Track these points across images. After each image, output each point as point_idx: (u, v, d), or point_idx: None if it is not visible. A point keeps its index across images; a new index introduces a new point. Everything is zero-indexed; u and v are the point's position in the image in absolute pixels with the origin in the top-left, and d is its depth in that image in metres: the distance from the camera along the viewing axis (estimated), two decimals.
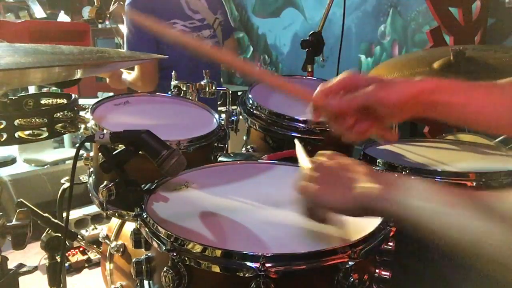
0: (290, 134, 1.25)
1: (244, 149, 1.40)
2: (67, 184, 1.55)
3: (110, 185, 0.94)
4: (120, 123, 1.14)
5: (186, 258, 0.69)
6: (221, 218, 0.82)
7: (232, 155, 1.21)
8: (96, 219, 2.70)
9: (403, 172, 1.10)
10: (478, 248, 0.54)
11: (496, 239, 0.53)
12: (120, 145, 0.93)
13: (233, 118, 1.41)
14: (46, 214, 1.26)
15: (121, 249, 1.34)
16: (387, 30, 3.40)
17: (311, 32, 1.74)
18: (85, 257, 2.47)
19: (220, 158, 1.17)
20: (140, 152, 0.88)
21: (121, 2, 2.28)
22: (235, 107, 1.43)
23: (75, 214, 2.65)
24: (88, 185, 1.21)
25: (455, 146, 1.40)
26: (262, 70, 0.84)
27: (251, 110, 1.33)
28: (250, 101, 1.34)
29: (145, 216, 0.80)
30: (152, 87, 2.11)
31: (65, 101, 1.40)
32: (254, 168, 1.08)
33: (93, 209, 2.66)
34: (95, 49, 1.26)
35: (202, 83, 1.48)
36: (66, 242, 1.24)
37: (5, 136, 1.19)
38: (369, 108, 0.75)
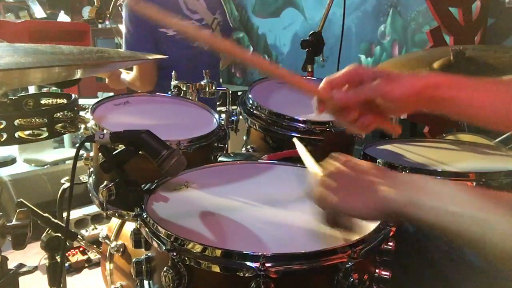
0: (290, 134, 1.25)
1: (244, 149, 1.40)
2: (67, 184, 1.55)
3: (110, 185, 0.94)
4: (120, 123, 1.14)
5: (186, 258, 0.69)
6: (221, 218, 0.82)
7: (232, 155, 1.21)
8: (96, 219, 2.70)
9: (403, 172, 1.10)
10: None
11: None
12: (120, 145, 0.93)
13: (233, 118, 1.41)
14: (46, 214, 1.26)
15: (121, 249, 1.34)
16: (387, 30, 3.40)
17: (311, 32, 1.74)
18: (85, 257, 2.47)
19: (220, 158, 1.17)
20: (140, 152, 0.88)
21: None
22: (235, 107, 1.43)
23: (75, 214, 2.65)
24: (88, 185, 1.21)
25: (455, 146, 1.40)
26: (265, 60, 0.83)
27: (251, 110, 1.33)
28: (250, 101, 1.34)
29: (145, 216, 0.80)
30: (151, 87, 2.12)
31: (65, 101, 1.40)
32: (254, 168, 1.08)
33: (93, 209, 2.66)
34: (95, 49, 1.26)
35: (202, 83, 1.48)
36: (66, 242, 1.24)
37: (5, 136, 1.19)
38: (374, 102, 0.75)
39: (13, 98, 1.31)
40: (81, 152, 0.94)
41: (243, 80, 4.91)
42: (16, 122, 1.20)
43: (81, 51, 0.96)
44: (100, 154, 0.91)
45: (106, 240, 1.40)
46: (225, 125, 1.36)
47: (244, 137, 1.41)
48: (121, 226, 1.40)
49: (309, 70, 1.80)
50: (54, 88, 1.82)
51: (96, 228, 2.62)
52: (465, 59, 1.59)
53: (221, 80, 2.51)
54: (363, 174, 0.69)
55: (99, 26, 4.04)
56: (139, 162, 0.92)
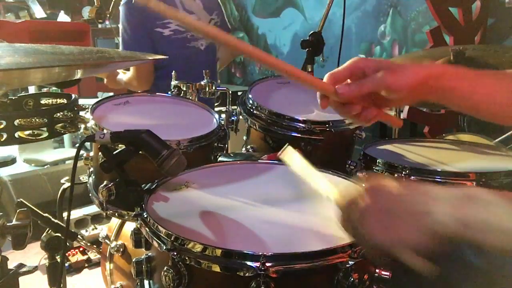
0: (290, 134, 1.25)
1: (244, 149, 1.40)
2: (67, 184, 1.55)
3: (110, 185, 0.94)
4: (120, 123, 1.14)
5: (187, 258, 0.69)
6: (221, 217, 0.82)
7: (232, 155, 1.21)
8: (96, 219, 2.70)
9: (403, 172, 1.10)
10: None
11: None
12: (120, 145, 0.93)
13: (233, 118, 1.41)
14: (46, 214, 1.26)
15: (121, 249, 1.34)
16: (387, 30, 3.40)
17: (311, 32, 1.74)
18: (85, 257, 2.47)
19: (220, 158, 1.17)
20: (140, 152, 0.88)
21: None
22: (235, 107, 1.43)
23: (75, 214, 2.65)
24: (88, 185, 1.21)
25: (455, 146, 1.40)
26: (267, 54, 0.80)
27: (251, 110, 1.33)
28: (250, 101, 1.34)
29: (145, 216, 0.80)
30: (147, 87, 2.13)
31: (65, 101, 1.40)
32: (254, 168, 1.08)
33: (93, 209, 2.66)
34: (95, 49, 1.26)
35: (202, 83, 1.48)
36: (66, 242, 1.24)
37: (5, 136, 1.19)
38: (377, 93, 0.74)
39: (13, 98, 1.31)
40: (81, 152, 0.94)
41: (243, 80, 4.91)
42: (16, 122, 1.20)
43: (81, 51, 0.96)
44: (100, 154, 0.91)
45: (106, 240, 1.40)
46: (225, 125, 1.36)
47: (244, 137, 1.42)
48: (121, 226, 1.40)
49: (309, 70, 1.80)
50: (54, 88, 1.82)
51: (96, 228, 2.62)
52: (465, 59, 1.59)
53: (219, 80, 2.51)
54: (398, 197, 0.60)
55: (99, 26, 4.05)
56: (139, 162, 0.92)
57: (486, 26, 2.61)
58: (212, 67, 2.26)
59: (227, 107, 1.45)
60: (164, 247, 0.71)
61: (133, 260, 0.83)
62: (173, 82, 1.48)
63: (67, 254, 2.40)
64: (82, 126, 1.25)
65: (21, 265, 1.08)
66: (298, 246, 0.72)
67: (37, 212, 1.24)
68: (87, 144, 1.02)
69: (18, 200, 1.21)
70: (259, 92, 1.41)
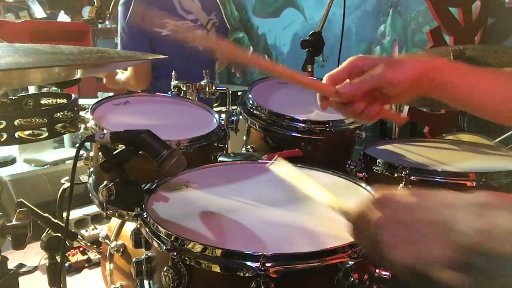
0: (290, 134, 1.25)
1: (244, 149, 1.40)
2: (67, 184, 1.55)
3: (110, 185, 0.94)
4: (120, 123, 1.14)
5: (187, 258, 0.69)
6: (221, 218, 0.82)
7: (232, 155, 1.21)
8: (96, 219, 2.70)
9: (403, 172, 1.10)
10: None
11: None
12: (120, 145, 0.93)
13: (233, 118, 1.41)
14: (46, 214, 1.26)
15: (121, 249, 1.34)
16: (387, 30, 3.40)
17: (311, 32, 1.74)
18: (85, 257, 2.47)
19: (220, 158, 1.16)
20: (140, 152, 0.88)
21: None
22: (235, 107, 1.43)
23: (75, 214, 2.65)
24: (88, 185, 1.21)
25: (455, 146, 1.40)
26: (264, 59, 0.79)
27: (251, 110, 1.33)
28: (250, 101, 1.34)
29: (145, 216, 0.80)
30: (145, 86, 2.14)
31: (65, 101, 1.40)
32: (254, 168, 1.08)
33: (93, 209, 2.66)
34: (95, 49, 1.26)
35: (202, 83, 1.48)
36: (66, 242, 1.24)
37: (5, 136, 1.19)
38: (379, 88, 0.74)
39: (13, 98, 1.31)
40: (81, 152, 0.94)
41: (243, 80, 4.91)
42: (16, 122, 1.20)
43: (81, 51, 0.96)
44: (100, 154, 0.91)
45: (106, 240, 1.40)
46: (225, 125, 1.36)
47: (244, 137, 1.42)
48: (121, 226, 1.40)
49: (309, 70, 1.80)
50: (54, 88, 1.82)
51: (96, 228, 2.62)
52: (465, 59, 1.59)
53: (217, 80, 2.52)
54: (412, 207, 0.55)
55: (99, 26, 4.05)
56: (139, 162, 0.92)
57: (486, 26, 2.61)
58: (211, 67, 2.26)
59: (227, 107, 1.45)
60: (164, 247, 0.71)
61: (133, 260, 0.83)
62: (173, 82, 1.48)
63: (67, 254, 2.40)
64: (82, 126, 1.25)
65: (21, 265, 1.08)
66: (298, 246, 0.72)
67: (37, 212, 1.24)
68: (87, 144, 1.02)
69: (18, 200, 1.21)
70: (259, 92, 1.41)
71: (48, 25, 4.09)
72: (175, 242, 0.70)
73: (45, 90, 2.02)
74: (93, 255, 2.45)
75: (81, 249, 2.48)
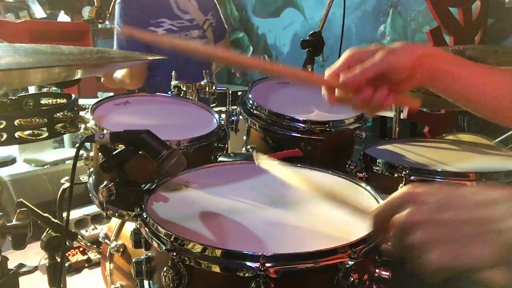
0: (290, 134, 1.25)
1: (244, 149, 1.40)
2: (67, 184, 1.55)
3: (110, 185, 0.94)
4: (120, 123, 1.14)
5: (186, 258, 0.69)
6: (221, 218, 0.82)
7: (232, 155, 1.21)
8: (96, 219, 2.70)
9: (403, 172, 1.10)
10: None
11: None
12: (120, 145, 0.93)
13: (233, 118, 1.41)
14: (46, 214, 1.26)
15: (121, 249, 1.34)
16: (387, 30, 3.40)
17: (311, 32, 1.74)
18: (85, 257, 2.47)
19: (220, 158, 1.16)
20: (140, 152, 0.88)
21: None
22: (235, 107, 1.43)
23: (75, 214, 2.65)
24: (88, 185, 1.21)
25: (455, 146, 1.40)
26: (264, 60, 0.78)
27: (251, 110, 1.33)
28: (250, 101, 1.34)
29: (145, 216, 0.80)
30: (140, 84, 2.15)
31: (65, 101, 1.40)
32: (254, 168, 1.08)
33: (93, 209, 2.66)
34: (95, 49, 1.26)
35: (202, 83, 1.48)
36: (66, 242, 1.24)
37: (5, 136, 1.19)
38: (382, 75, 0.73)
39: (13, 98, 1.31)
40: (81, 152, 0.94)
41: (243, 80, 4.91)
42: (16, 122, 1.20)
43: (81, 51, 0.96)
44: (100, 154, 0.91)
45: (106, 240, 1.40)
46: (225, 125, 1.36)
47: (244, 137, 1.42)
48: (121, 226, 1.40)
49: (309, 70, 1.80)
50: (54, 88, 1.83)
51: (96, 228, 2.62)
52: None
53: (215, 81, 2.52)
54: (452, 206, 0.51)
55: (99, 26, 4.05)
56: (139, 162, 0.92)
57: (486, 26, 2.61)
58: (206, 67, 2.27)
59: (227, 107, 1.45)
60: (164, 248, 0.71)
61: (133, 260, 0.83)
62: (173, 82, 1.48)
63: (67, 254, 2.41)
64: (82, 126, 1.25)
65: (21, 265, 1.08)
66: (298, 246, 0.71)
67: (37, 212, 1.24)
68: (87, 144, 1.02)
69: (18, 200, 1.21)
70: (259, 92, 1.41)
71: (48, 25, 4.09)
72: (175, 242, 0.70)
73: (45, 90, 2.02)
74: (93, 255, 2.45)
75: (81, 249, 2.49)
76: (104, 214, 1.10)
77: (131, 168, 0.91)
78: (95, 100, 1.26)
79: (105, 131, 0.93)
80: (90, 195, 1.17)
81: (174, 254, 0.69)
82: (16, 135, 1.21)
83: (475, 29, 2.54)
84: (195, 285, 0.72)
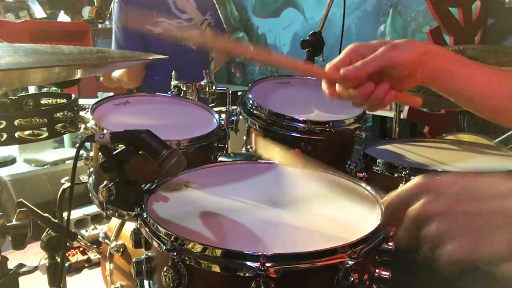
0: (290, 134, 1.25)
1: (244, 149, 1.40)
2: (67, 184, 1.55)
3: (110, 185, 0.94)
4: (120, 123, 1.14)
5: (186, 258, 0.69)
6: (221, 218, 0.82)
7: (232, 155, 1.21)
8: (96, 219, 2.70)
9: (403, 172, 1.10)
10: None
11: None
12: (120, 145, 0.93)
13: (233, 118, 1.41)
14: (46, 214, 1.26)
15: (121, 249, 1.34)
16: (387, 30, 3.40)
17: (311, 32, 1.74)
18: (85, 257, 2.47)
19: (220, 158, 1.16)
20: (140, 152, 0.88)
21: None
22: (235, 107, 1.43)
23: (75, 214, 2.65)
24: (88, 185, 1.21)
25: (455, 146, 1.40)
26: (266, 51, 0.77)
27: (251, 110, 1.33)
28: (250, 101, 1.34)
29: (145, 216, 0.80)
30: (138, 83, 2.17)
31: (65, 101, 1.40)
32: (254, 168, 1.08)
33: (93, 209, 2.66)
34: (95, 49, 1.26)
35: (202, 83, 1.48)
36: (66, 242, 1.24)
37: (5, 136, 1.19)
38: (383, 71, 0.73)
39: (13, 98, 1.31)
40: (81, 152, 0.94)
41: (243, 80, 4.91)
42: (16, 122, 1.20)
43: (81, 51, 0.96)
44: (100, 154, 0.91)
45: (106, 240, 1.40)
46: (225, 125, 1.36)
47: (244, 137, 1.42)
48: (121, 226, 1.40)
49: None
50: (54, 88, 1.83)
51: (96, 228, 2.62)
52: None
53: (214, 81, 2.53)
54: (472, 196, 0.50)
55: (99, 26, 4.05)
56: (139, 162, 0.92)
57: (486, 26, 2.61)
58: (204, 67, 2.27)
59: (227, 107, 1.45)
60: (164, 247, 0.71)
61: (133, 260, 0.83)
62: (173, 82, 1.48)
63: (67, 254, 2.41)
64: (82, 126, 1.25)
65: (21, 265, 1.08)
66: (298, 246, 0.71)
67: (37, 212, 1.24)
68: (87, 144, 1.02)
69: (18, 200, 1.20)
70: (259, 92, 1.41)
71: (48, 25, 4.09)
72: (175, 242, 0.70)
73: (45, 90, 2.02)
74: (93, 255, 2.45)
75: (81, 249, 2.49)
76: (104, 214, 1.10)
77: (131, 168, 0.91)
78: (95, 100, 1.26)
79: (105, 131, 0.93)
80: (90, 195, 1.17)
81: (174, 254, 0.69)
82: (16, 135, 1.21)
83: (475, 29, 2.54)
84: (195, 285, 0.72)
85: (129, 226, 1.34)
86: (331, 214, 0.84)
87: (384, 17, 3.40)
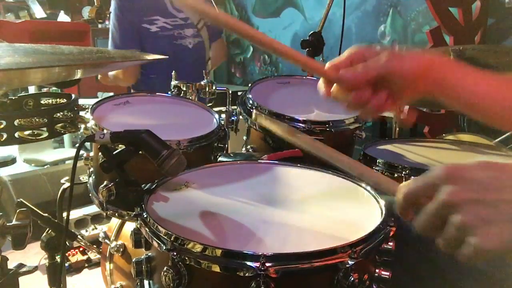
0: None
1: (244, 149, 1.40)
2: (67, 184, 1.55)
3: (110, 185, 0.94)
4: (120, 123, 1.14)
5: (186, 258, 0.69)
6: (221, 218, 0.82)
7: (232, 155, 1.21)
8: (96, 219, 2.70)
9: (403, 172, 1.10)
10: None
11: None
12: (120, 145, 0.93)
13: (233, 118, 1.41)
14: (46, 214, 1.26)
15: (121, 249, 1.34)
16: (387, 30, 3.40)
17: (311, 32, 1.74)
18: (85, 257, 2.47)
19: (220, 158, 1.17)
20: (140, 152, 0.88)
21: None
22: (235, 107, 1.43)
23: (75, 214, 2.65)
24: (88, 185, 1.21)
25: (455, 146, 1.40)
26: (268, 37, 0.74)
27: (251, 110, 1.33)
28: (250, 101, 1.34)
29: (145, 216, 0.80)
30: (133, 81, 2.18)
31: (65, 101, 1.40)
32: (254, 168, 1.08)
33: (93, 209, 2.66)
34: (95, 49, 1.26)
35: (202, 83, 1.48)
36: (66, 242, 1.24)
37: (5, 136, 1.19)
38: (383, 79, 0.72)
39: (13, 98, 1.31)
40: (81, 152, 0.94)
41: (243, 80, 4.91)
42: (16, 122, 1.20)
43: (81, 51, 0.96)
44: (100, 154, 0.91)
45: (106, 240, 1.40)
46: (225, 125, 1.36)
47: (244, 137, 1.42)
48: (121, 226, 1.40)
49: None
50: (54, 88, 1.83)
51: (96, 228, 2.62)
52: (465, 59, 1.59)
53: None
54: (494, 187, 0.48)
55: (99, 26, 4.05)
56: (139, 162, 0.92)
57: (486, 26, 2.61)
58: (200, 66, 2.27)
59: (227, 107, 1.45)
60: (164, 247, 0.71)
61: (133, 260, 0.83)
62: (173, 82, 1.48)
63: (67, 254, 2.41)
64: (82, 126, 1.25)
65: (21, 265, 1.08)
66: (298, 246, 0.71)
67: (37, 212, 1.24)
68: (87, 144, 1.02)
69: (18, 200, 1.20)
70: (259, 92, 1.41)
71: (48, 25, 4.09)
72: (175, 242, 0.70)
73: (45, 90, 2.03)
74: (93, 255, 2.45)
75: (81, 249, 2.49)
76: (104, 214, 1.10)
77: (131, 168, 0.91)
78: (95, 100, 1.26)
79: (105, 131, 0.93)
80: (90, 195, 1.17)
81: (174, 253, 0.69)
82: (16, 135, 1.21)
83: (475, 29, 2.54)
84: (195, 285, 0.72)
85: (129, 226, 1.34)
86: (331, 214, 0.84)
87: (384, 17, 3.40)
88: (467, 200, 0.48)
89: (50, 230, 1.25)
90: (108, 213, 1.09)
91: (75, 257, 2.45)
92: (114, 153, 0.89)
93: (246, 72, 4.87)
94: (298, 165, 1.07)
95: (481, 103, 0.74)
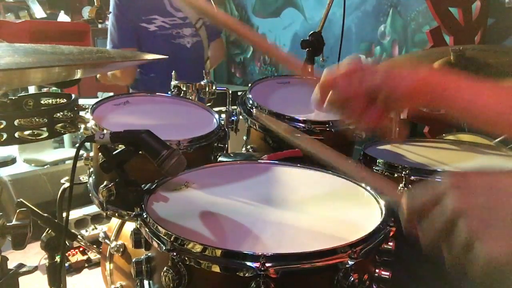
0: None
1: (244, 149, 1.40)
2: (67, 184, 1.55)
3: (110, 185, 0.94)
4: (120, 123, 1.14)
5: (186, 258, 0.69)
6: (221, 218, 0.82)
7: (232, 155, 1.21)
8: (96, 219, 2.70)
9: (403, 172, 1.10)
10: None
11: None
12: (120, 145, 0.93)
13: (233, 118, 1.41)
14: (46, 214, 1.26)
15: (121, 249, 1.34)
16: (387, 30, 3.40)
17: (311, 32, 1.74)
18: (85, 257, 2.47)
19: (220, 158, 1.16)
20: (140, 152, 0.88)
21: None
22: (235, 107, 1.43)
23: (75, 214, 2.65)
24: (88, 185, 1.21)
25: (455, 146, 1.40)
26: (266, 40, 0.74)
27: (251, 110, 1.33)
28: (250, 101, 1.34)
29: (145, 216, 0.80)
30: (131, 80, 2.18)
31: (65, 101, 1.40)
32: (254, 168, 1.08)
33: (93, 209, 2.66)
34: (95, 49, 1.26)
35: (202, 83, 1.48)
36: (66, 242, 1.24)
37: (5, 136, 1.19)
38: (379, 94, 0.73)
39: (13, 98, 1.31)
40: (81, 152, 0.94)
41: (243, 80, 4.90)
42: (16, 122, 1.20)
43: (81, 51, 0.96)
44: (100, 154, 0.91)
45: (106, 240, 1.40)
46: (225, 125, 1.36)
47: (244, 137, 1.42)
48: (121, 226, 1.40)
49: (309, 70, 1.80)
50: (54, 88, 1.83)
51: (96, 228, 2.62)
52: (465, 59, 1.59)
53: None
54: (501, 193, 0.48)
55: (99, 26, 4.05)
56: (139, 162, 0.92)
57: (486, 26, 2.61)
58: (198, 66, 2.27)
59: (227, 107, 1.45)
60: (164, 248, 0.71)
61: (133, 260, 0.83)
62: (173, 82, 1.48)
63: (67, 254, 2.41)
64: (82, 126, 1.25)
65: (21, 265, 1.08)
66: (298, 246, 0.71)
67: (37, 212, 1.24)
68: (87, 144, 1.02)
69: (18, 200, 1.20)
70: (259, 92, 1.41)
71: (48, 25, 4.09)
72: (175, 242, 0.70)
73: (45, 90, 2.03)
74: (93, 255, 2.45)
75: (81, 249, 2.49)
76: (104, 214, 1.10)
77: (131, 168, 0.91)
78: (95, 100, 1.26)
79: (105, 131, 0.93)
80: (90, 195, 1.17)
81: (174, 254, 0.69)
82: (16, 135, 1.21)
83: (475, 29, 2.54)
84: (195, 285, 0.72)
85: (129, 226, 1.34)
86: (331, 214, 0.84)
87: (384, 17, 3.40)
88: (476, 209, 0.48)
89: (50, 230, 1.25)
90: (108, 213, 1.09)
91: (75, 257, 2.45)
92: (114, 153, 0.89)
93: (246, 72, 4.87)
94: (298, 165, 1.07)
95: (482, 113, 0.74)
